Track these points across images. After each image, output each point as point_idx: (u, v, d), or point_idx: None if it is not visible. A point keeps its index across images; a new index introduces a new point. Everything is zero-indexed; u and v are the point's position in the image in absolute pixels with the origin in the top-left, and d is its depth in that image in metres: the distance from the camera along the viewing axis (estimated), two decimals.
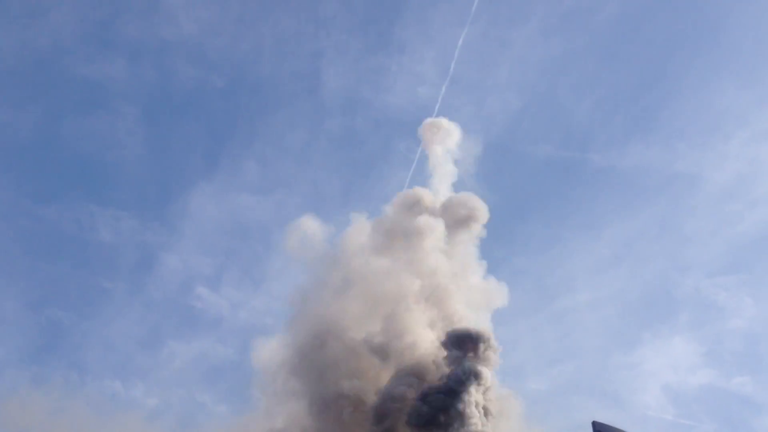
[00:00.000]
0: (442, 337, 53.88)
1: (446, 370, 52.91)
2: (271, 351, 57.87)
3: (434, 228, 58.65)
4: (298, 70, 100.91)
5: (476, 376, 51.22)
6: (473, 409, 50.70)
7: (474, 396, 50.97)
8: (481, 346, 52.97)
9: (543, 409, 56.43)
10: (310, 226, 61.92)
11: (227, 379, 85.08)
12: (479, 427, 50.20)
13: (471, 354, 52.43)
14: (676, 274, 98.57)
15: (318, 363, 55.17)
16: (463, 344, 53.15)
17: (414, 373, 53.60)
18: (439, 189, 63.08)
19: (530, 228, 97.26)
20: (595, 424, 51.02)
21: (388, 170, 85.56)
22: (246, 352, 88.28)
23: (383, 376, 54.40)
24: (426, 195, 62.28)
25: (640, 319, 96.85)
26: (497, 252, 57.52)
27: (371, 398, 53.62)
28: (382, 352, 54.21)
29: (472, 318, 55.44)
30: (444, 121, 65.31)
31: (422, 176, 65.15)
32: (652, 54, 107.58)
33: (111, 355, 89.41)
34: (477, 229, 59.64)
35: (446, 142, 64.92)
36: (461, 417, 50.24)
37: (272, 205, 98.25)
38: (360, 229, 60.69)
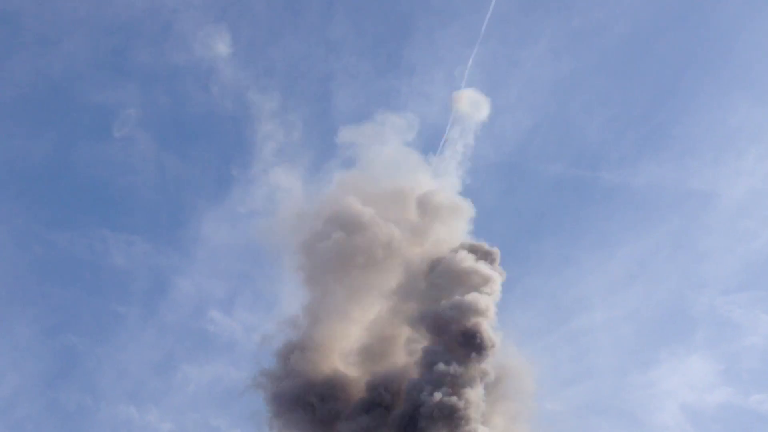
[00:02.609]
0: None
1: None
2: None
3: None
4: (309, 92, 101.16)
5: None
6: None
7: None
8: None
9: (559, 431, 55.72)
10: None
11: (241, 403, 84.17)
12: None
13: None
14: (691, 291, 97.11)
15: None
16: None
17: None
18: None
19: (543, 247, 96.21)
20: None
21: None
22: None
23: None
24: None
25: (656, 337, 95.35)
26: (510, 272, 57.15)
27: None
28: None
29: None
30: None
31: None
32: (663, 71, 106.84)
33: (125, 380, 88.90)
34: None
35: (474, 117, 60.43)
36: None
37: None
38: None
